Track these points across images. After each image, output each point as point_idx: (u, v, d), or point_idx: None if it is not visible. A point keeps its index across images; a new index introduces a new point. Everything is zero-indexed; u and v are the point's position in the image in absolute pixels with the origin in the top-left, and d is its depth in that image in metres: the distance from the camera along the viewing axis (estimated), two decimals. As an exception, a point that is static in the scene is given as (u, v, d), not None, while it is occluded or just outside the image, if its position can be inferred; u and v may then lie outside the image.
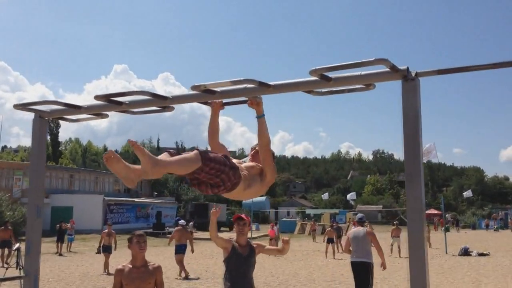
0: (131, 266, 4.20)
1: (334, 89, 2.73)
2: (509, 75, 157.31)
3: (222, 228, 45.46)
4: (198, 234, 37.53)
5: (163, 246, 26.99)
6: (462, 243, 26.16)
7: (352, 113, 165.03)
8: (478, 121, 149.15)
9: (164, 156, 2.45)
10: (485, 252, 21.82)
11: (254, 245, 5.13)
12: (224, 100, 3.23)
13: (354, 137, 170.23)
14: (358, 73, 2.45)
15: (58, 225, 22.10)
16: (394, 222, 24.33)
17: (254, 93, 2.82)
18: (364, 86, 2.65)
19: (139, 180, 2.34)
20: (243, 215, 5.19)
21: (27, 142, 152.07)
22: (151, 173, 2.25)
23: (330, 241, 20.90)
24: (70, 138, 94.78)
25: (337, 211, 56.53)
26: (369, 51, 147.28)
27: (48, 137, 63.85)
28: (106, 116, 3.42)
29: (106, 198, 36.76)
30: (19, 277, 3.22)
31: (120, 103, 3.00)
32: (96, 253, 16.22)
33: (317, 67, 2.35)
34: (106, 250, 14.79)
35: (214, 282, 12.39)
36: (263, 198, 62.79)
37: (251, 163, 3.12)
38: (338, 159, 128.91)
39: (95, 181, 44.34)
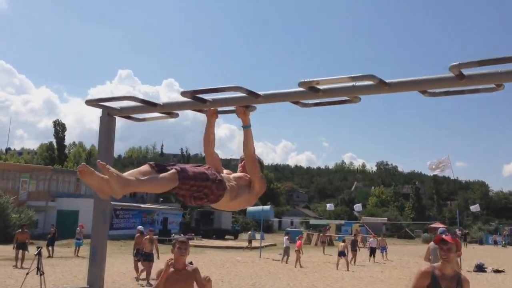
0: (173, 268, 4.50)
1: (321, 101, 2.72)
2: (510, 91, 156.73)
3: (227, 237, 45.12)
4: (203, 242, 37.21)
5: (170, 253, 26.69)
6: (473, 258, 25.76)
7: (355, 124, 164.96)
8: (480, 135, 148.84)
9: (137, 174, 2.49)
10: (500, 269, 21.43)
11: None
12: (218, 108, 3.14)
13: (356, 148, 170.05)
14: (350, 84, 2.44)
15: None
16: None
17: (243, 102, 2.79)
18: (349, 98, 2.62)
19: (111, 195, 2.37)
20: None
21: (31, 144, 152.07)
22: (121, 193, 2.29)
23: (341, 254, 20.58)
24: (74, 142, 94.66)
25: (342, 222, 56.09)
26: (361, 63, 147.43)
27: (54, 140, 63.81)
28: (177, 115, 3.19)
29: (112, 202, 36.45)
30: (83, 288, 2.95)
31: (204, 100, 2.77)
32: (137, 260, 14.62)
33: (305, 80, 2.40)
34: (147, 258, 13.53)
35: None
36: (268, 207, 62.33)
37: (239, 174, 3.12)
38: (341, 169, 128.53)
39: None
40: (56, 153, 61.59)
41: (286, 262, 21.77)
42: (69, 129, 66.11)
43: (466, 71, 2.24)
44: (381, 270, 20.19)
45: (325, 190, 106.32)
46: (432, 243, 9.50)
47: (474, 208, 48.42)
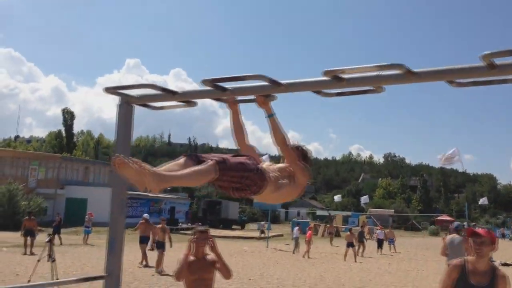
0: (193, 258, 4.51)
1: (343, 90, 2.65)
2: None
3: (234, 227, 45.25)
4: (210, 232, 37.22)
5: (178, 242, 26.81)
6: (481, 251, 25.63)
7: (363, 116, 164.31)
8: (488, 128, 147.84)
9: (174, 166, 2.37)
10: (508, 262, 21.31)
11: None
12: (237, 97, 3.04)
13: (364, 139, 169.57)
14: (373, 74, 2.37)
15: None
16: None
17: (265, 91, 2.71)
18: (373, 88, 2.53)
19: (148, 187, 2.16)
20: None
21: (39, 132, 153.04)
22: (158, 188, 2.15)
23: (350, 245, 20.56)
24: (82, 130, 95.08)
25: (349, 213, 56.06)
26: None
27: (63, 128, 64.11)
28: (195, 104, 3.13)
29: (121, 191, 36.66)
30: (101, 277, 2.92)
31: (225, 89, 2.71)
32: (150, 249, 14.99)
33: (331, 68, 2.32)
34: (160, 246, 13.65)
35: (241, 283, 12.07)
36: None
37: (282, 165, 2.94)
38: (349, 161, 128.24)
39: (109, 174, 44.28)
40: (65, 141, 61.85)
41: (297, 252, 21.95)
42: (77, 118, 66.36)
43: (497, 61, 2.18)
44: (388, 262, 20.16)
45: (332, 181, 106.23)
46: (448, 236, 9.48)
47: (483, 201, 48.15)
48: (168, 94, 2.86)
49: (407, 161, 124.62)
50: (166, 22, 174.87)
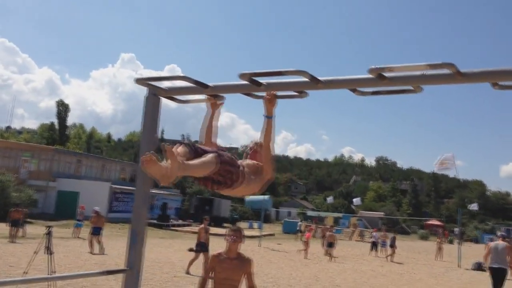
0: (225, 256, 4.45)
1: (380, 89, 2.64)
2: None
3: (225, 224, 45.14)
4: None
5: (170, 238, 26.71)
6: (470, 256, 25.82)
7: (355, 119, 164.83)
8: (479, 135, 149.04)
9: (182, 153, 2.47)
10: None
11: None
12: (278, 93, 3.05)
13: (356, 142, 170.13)
14: (418, 73, 2.34)
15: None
16: (500, 234, 24.80)
17: (301, 87, 2.71)
18: (412, 88, 2.52)
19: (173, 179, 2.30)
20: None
21: (31, 124, 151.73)
22: (176, 178, 2.27)
23: (330, 245, 20.93)
24: (74, 123, 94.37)
25: (340, 215, 56.20)
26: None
27: (56, 121, 63.60)
28: (223, 98, 3.10)
29: (113, 186, 36.43)
30: (123, 270, 2.88)
31: (260, 84, 2.68)
32: (189, 250, 14.00)
33: (377, 66, 2.31)
34: (204, 248, 12.57)
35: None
36: (266, 196, 62.37)
37: (250, 161, 3.12)
38: (340, 162, 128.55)
39: (101, 168, 43.96)
40: (58, 134, 61.36)
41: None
42: (70, 110, 65.64)
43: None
44: (381, 264, 20.24)
45: (324, 182, 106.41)
46: (493, 242, 11.20)
47: (473, 206, 48.44)
48: (200, 87, 2.82)
49: (399, 165, 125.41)
50: (162, 17, 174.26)
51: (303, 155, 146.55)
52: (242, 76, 2.56)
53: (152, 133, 3.02)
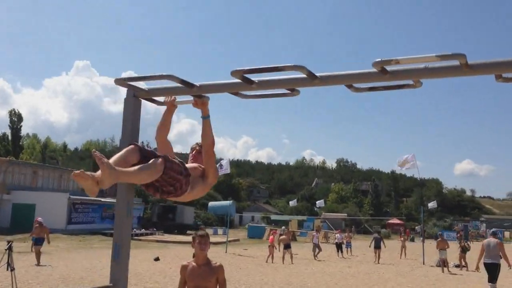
0: (194, 264, 4.29)
1: (376, 85, 2.55)
2: (463, 91, 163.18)
3: (188, 231, 44.53)
4: (166, 237, 36.50)
5: (134, 248, 25.96)
6: (433, 253, 26.41)
7: (316, 121, 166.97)
8: (435, 133, 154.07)
9: (122, 158, 2.45)
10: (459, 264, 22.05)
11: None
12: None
13: (316, 145, 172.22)
14: (421, 66, 2.26)
15: None
16: (439, 234, 25.46)
17: (296, 84, 2.57)
18: (412, 83, 2.44)
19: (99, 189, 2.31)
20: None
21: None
22: (109, 185, 2.27)
23: (287, 246, 20.99)
24: (27, 134, 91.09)
25: (304, 218, 56.56)
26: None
27: (9, 131, 61.14)
28: (208, 99, 2.92)
29: (72, 196, 35.29)
30: (106, 287, 2.64)
31: (251, 82, 2.52)
32: (156, 259, 15.18)
33: (382, 59, 2.19)
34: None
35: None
36: (229, 202, 61.97)
37: (193, 164, 3.09)
38: (302, 166, 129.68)
39: (59, 179, 42.48)
40: (10, 145, 58.99)
41: (316, 256, 23.34)
42: (23, 120, 63.11)
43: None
44: (348, 265, 20.38)
45: (286, 186, 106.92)
46: (486, 240, 12.39)
47: (432, 204, 49.84)
48: (185, 87, 2.63)
49: (359, 166, 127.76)
50: (117, 22, 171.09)
51: (265, 159, 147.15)
52: (234, 73, 2.39)
53: (133, 138, 2.80)
